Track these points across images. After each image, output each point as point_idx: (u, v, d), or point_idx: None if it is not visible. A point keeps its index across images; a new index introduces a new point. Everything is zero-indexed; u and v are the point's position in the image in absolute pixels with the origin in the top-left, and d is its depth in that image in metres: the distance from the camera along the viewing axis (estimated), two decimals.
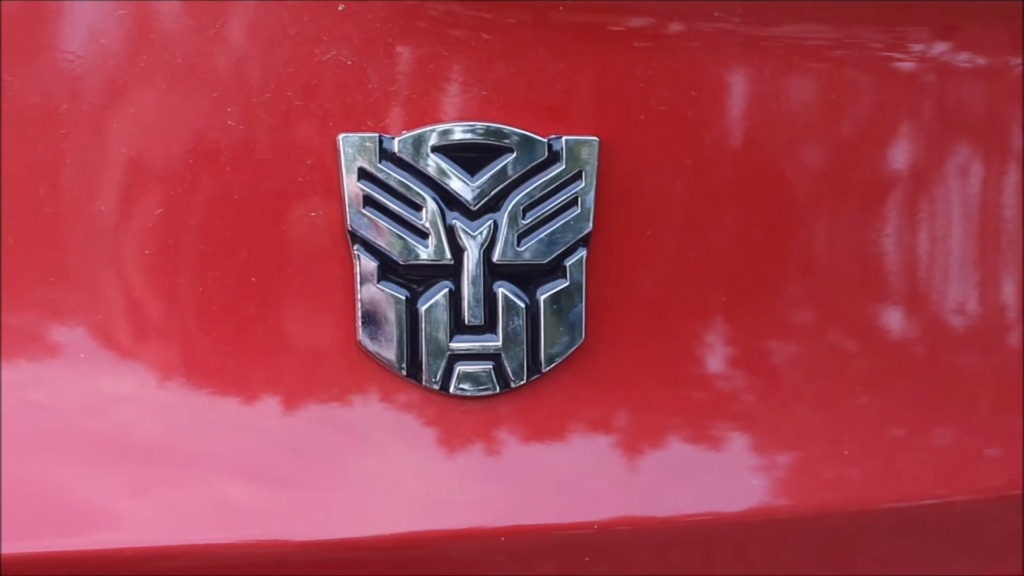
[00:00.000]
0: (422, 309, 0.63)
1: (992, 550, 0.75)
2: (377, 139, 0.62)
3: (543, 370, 0.65)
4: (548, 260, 0.64)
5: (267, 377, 0.62)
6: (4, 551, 0.57)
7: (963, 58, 0.71)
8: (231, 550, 0.60)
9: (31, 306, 0.61)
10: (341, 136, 0.62)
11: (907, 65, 0.69)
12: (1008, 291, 0.74)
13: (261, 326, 0.62)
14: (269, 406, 0.62)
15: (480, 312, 0.64)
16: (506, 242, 0.63)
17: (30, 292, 0.61)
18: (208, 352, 0.62)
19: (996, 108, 0.73)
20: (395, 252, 0.63)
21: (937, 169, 0.72)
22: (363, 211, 0.62)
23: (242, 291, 0.62)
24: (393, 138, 0.62)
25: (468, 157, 0.63)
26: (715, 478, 0.66)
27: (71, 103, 0.60)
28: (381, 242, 0.62)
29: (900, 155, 0.71)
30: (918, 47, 0.70)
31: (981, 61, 0.72)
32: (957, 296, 0.73)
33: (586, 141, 0.64)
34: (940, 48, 0.71)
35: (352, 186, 0.62)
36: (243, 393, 0.62)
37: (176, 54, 0.60)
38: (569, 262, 0.64)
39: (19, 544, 0.57)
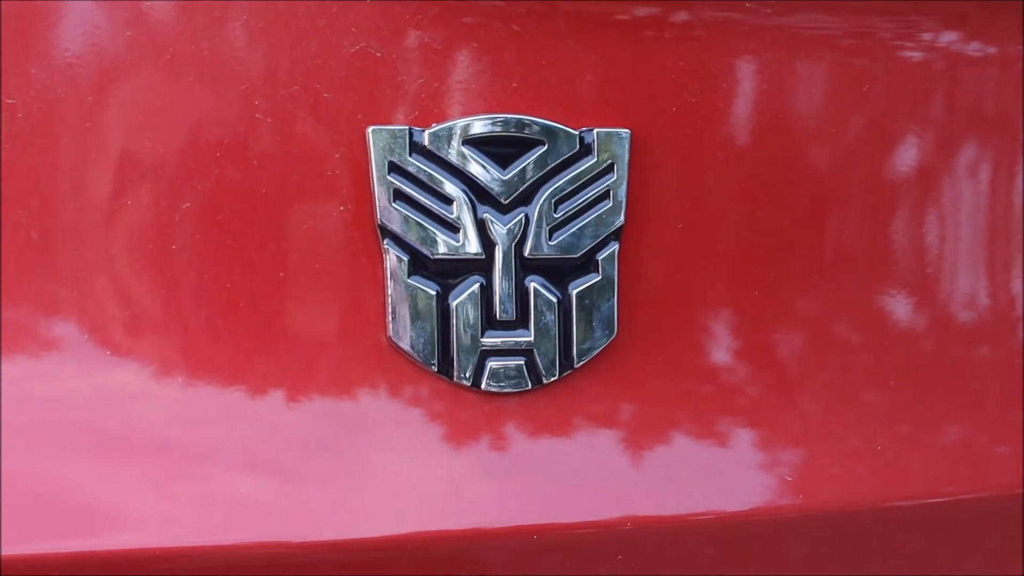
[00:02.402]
0: (453, 304, 0.62)
1: (1001, 548, 0.75)
2: (407, 132, 0.61)
3: (575, 366, 0.64)
4: (580, 254, 0.63)
5: (296, 374, 0.61)
6: (5, 553, 0.56)
7: (988, 50, 0.71)
8: (255, 550, 0.59)
9: (59, 302, 0.60)
10: (370, 129, 0.61)
11: (940, 59, 0.69)
12: (1018, 286, 0.73)
13: (290, 322, 0.61)
14: (298, 403, 0.61)
15: (511, 307, 0.63)
16: (537, 236, 0.63)
17: (59, 288, 0.60)
18: (235, 348, 0.61)
19: (1011, 103, 0.72)
20: (425, 246, 0.62)
21: (957, 163, 0.71)
22: (393, 205, 0.61)
23: (270, 286, 0.61)
24: (423, 131, 0.61)
25: (499, 150, 0.62)
26: (754, 475, 0.65)
27: (101, 98, 0.59)
28: (411, 236, 0.62)
29: (927, 148, 0.70)
30: (950, 44, 0.70)
31: (994, 50, 0.71)
32: (968, 291, 0.72)
33: (618, 133, 0.63)
34: (969, 39, 0.70)
35: (382, 180, 0.61)
36: (271, 390, 0.61)
37: (204, 48, 0.60)
38: (601, 256, 0.64)
39: (22, 546, 0.56)
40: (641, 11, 0.63)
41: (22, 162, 0.59)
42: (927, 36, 0.69)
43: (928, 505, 0.70)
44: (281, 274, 0.61)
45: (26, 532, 0.57)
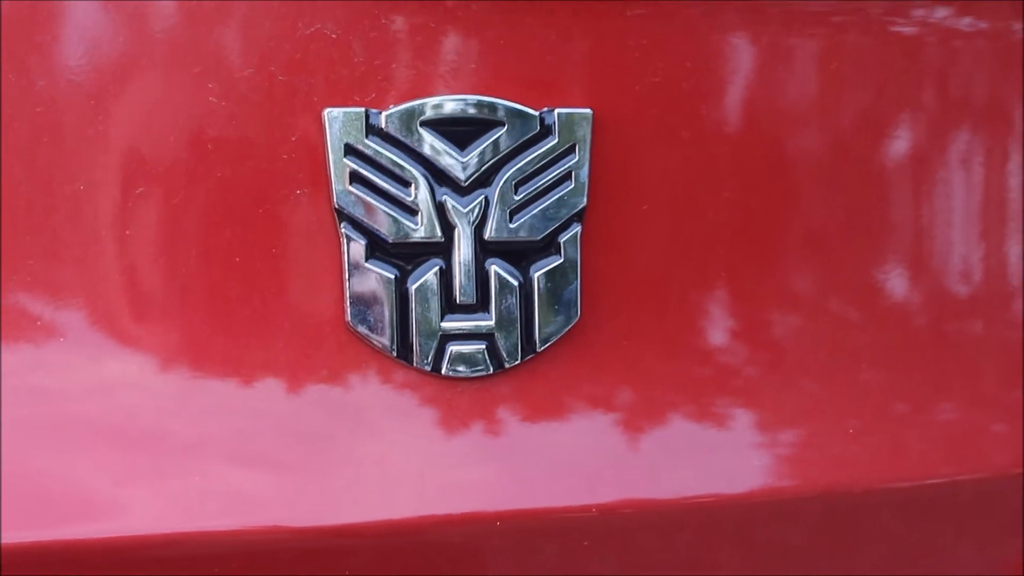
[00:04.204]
0: (412, 288, 0.61)
1: (999, 530, 0.74)
2: (364, 114, 0.60)
3: (538, 350, 0.63)
4: (542, 236, 0.62)
5: (253, 361, 0.61)
6: (4, 541, 0.56)
7: (966, 23, 0.69)
8: (221, 537, 0.59)
9: (17, 291, 0.60)
10: (326, 111, 0.60)
11: (909, 30, 0.68)
12: (1015, 263, 0.72)
13: (247, 308, 0.61)
14: (255, 390, 0.61)
15: (472, 291, 0.62)
16: (498, 218, 0.62)
17: (16, 277, 0.59)
18: (192, 335, 0.60)
19: (1001, 76, 0.71)
20: (383, 230, 0.61)
21: (940, 139, 0.70)
22: (350, 188, 0.60)
23: (227, 272, 0.60)
24: (380, 113, 0.60)
25: (458, 131, 0.61)
26: (715, 457, 0.64)
27: (48, 82, 0.59)
28: (369, 220, 0.61)
29: (901, 124, 0.69)
30: (919, 13, 0.68)
31: (983, 25, 0.70)
32: (964, 269, 0.71)
33: (579, 114, 0.62)
34: (942, 14, 0.69)
35: (338, 163, 0.60)
36: (228, 377, 0.60)
37: (155, 30, 0.59)
38: (563, 238, 0.63)
39: (18, 534, 0.56)
40: None
41: None
42: (913, 11, 0.68)
43: (927, 486, 0.69)
44: (237, 259, 0.61)
45: (23, 520, 0.56)
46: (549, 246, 0.63)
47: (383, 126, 0.60)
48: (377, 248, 0.61)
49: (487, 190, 0.62)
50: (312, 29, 0.60)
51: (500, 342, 0.63)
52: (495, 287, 0.62)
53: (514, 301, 0.62)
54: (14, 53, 0.59)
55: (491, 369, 0.63)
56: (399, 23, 0.60)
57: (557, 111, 0.62)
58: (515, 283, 0.62)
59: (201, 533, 0.59)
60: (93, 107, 0.59)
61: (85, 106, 0.59)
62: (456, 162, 0.61)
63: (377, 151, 0.60)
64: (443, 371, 0.62)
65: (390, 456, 0.61)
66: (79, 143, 0.59)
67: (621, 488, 0.63)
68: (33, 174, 0.59)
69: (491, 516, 0.60)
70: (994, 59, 0.70)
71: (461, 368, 0.62)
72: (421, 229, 0.61)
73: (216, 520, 0.59)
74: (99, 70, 0.59)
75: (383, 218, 0.61)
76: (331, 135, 0.60)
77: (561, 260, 0.63)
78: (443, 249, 0.61)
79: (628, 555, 0.65)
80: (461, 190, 0.61)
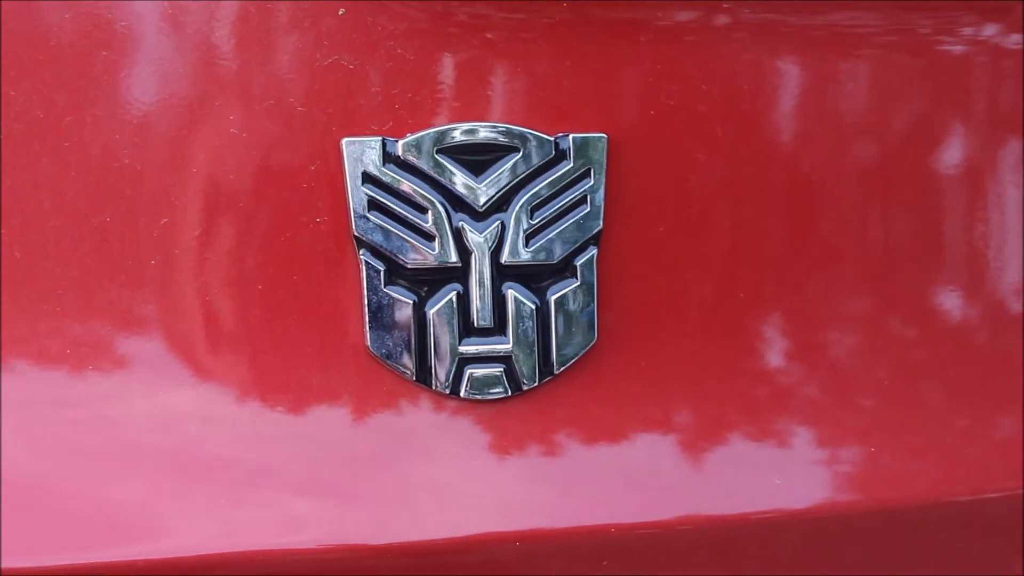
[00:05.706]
0: (430, 312, 0.63)
1: None
2: (381, 143, 0.61)
3: (555, 372, 0.64)
4: (558, 260, 0.63)
5: (274, 385, 0.62)
6: (66, 562, 0.58)
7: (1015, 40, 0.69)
8: (237, 558, 0.60)
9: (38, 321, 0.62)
10: (345, 141, 0.61)
11: (918, 46, 0.68)
12: None
13: (268, 334, 0.62)
14: (277, 414, 0.62)
15: (489, 314, 0.63)
16: (514, 243, 0.63)
17: (36, 309, 0.61)
18: (211, 361, 0.62)
19: None
20: (402, 256, 0.62)
21: (982, 153, 0.70)
22: (368, 215, 0.62)
23: (249, 299, 0.62)
24: (397, 141, 0.61)
25: (474, 158, 0.62)
26: (732, 477, 0.64)
27: (75, 112, 0.60)
28: (387, 246, 0.62)
29: (927, 142, 0.69)
30: (940, 27, 0.68)
31: None
32: (1019, 284, 0.71)
33: (594, 138, 0.63)
34: (970, 29, 0.69)
35: (357, 190, 0.61)
36: (249, 401, 0.62)
37: (178, 61, 0.60)
38: (580, 261, 0.63)
39: (84, 555, 0.58)
40: (614, 15, 0.63)
41: None
42: (911, 29, 0.68)
43: (986, 500, 0.69)
44: (260, 286, 0.62)
45: (89, 542, 0.59)
46: (565, 269, 0.64)
47: (400, 154, 0.61)
48: (396, 274, 0.62)
49: (503, 215, 0.63)
50: (330, 60, 0.61)
51: (518, 365, 0.63)
52: (512, 310, 0.63)
53: (531, 324, 0.63)
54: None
55: (509, 391, 0.63)
56: (414, 53, 0.61)
57: (572, 136, 0.62)
58: (532, 306, 0.63)
59: (214, 555, 0.60)
60: (104, 137, 0.60)
61: (97, 136, 0.60)
62: (472, 188, 0.62)
63: (394, 179, 0.62)
64: (462, 394, 0.63)
65: (407, 479, 0.62)
66: (103, 176, 0.61)
67: (641, 509, 0.63)
68: (62, 209, 0.61)
69: (509, 536, 0.61)
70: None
71: (479, 391, 0.63)
72: (439, 255, 0.62)
73: (225, 541, 0.60)
74: (115, 100, 0.61)
75: (401, 244, 0.62)
76: (349, 164, 0.61)
77: (578, 283, 0.63)
78: (461, 274, 0.63)
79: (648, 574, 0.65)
80: (478, 215, 0.62)
